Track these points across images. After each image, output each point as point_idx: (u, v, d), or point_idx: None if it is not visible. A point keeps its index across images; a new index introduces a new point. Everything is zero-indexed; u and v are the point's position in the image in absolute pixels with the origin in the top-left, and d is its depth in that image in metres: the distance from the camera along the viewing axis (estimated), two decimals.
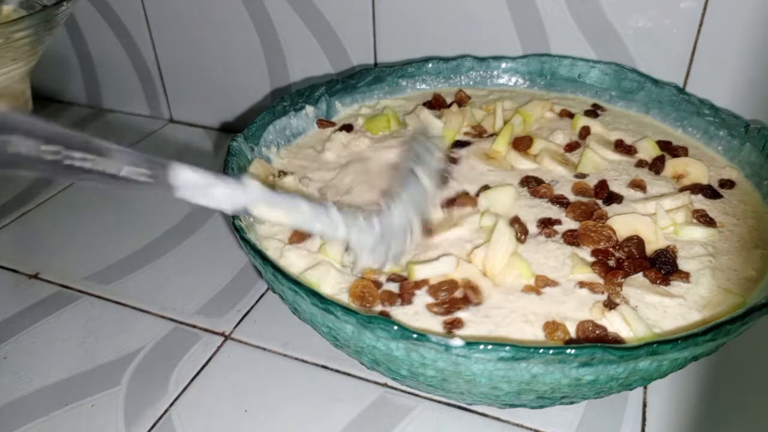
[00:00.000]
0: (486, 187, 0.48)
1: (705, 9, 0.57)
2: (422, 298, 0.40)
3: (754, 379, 0.45)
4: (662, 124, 0.59)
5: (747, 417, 0.42)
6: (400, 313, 0.39)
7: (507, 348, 0.31)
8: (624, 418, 0.42)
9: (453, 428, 0.42)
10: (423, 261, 0.42)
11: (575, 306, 0.39)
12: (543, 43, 0.64)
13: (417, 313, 0.39)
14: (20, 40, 0.54)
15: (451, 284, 0.40)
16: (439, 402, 0.44)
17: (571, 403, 0.38)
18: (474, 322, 0.39)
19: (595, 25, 0.62)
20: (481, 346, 0.31)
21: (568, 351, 0.31)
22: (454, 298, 0.40)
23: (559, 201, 0.47)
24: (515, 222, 0.45)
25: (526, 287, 0.41)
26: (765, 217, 0.47)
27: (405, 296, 0.40)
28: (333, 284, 0.42)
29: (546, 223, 0.45)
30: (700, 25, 0.58)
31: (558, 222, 0.46)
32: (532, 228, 0.45)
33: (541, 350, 0.31)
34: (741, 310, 0.34)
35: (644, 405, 0.43)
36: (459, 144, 0.55)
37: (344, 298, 0.41)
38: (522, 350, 0.31)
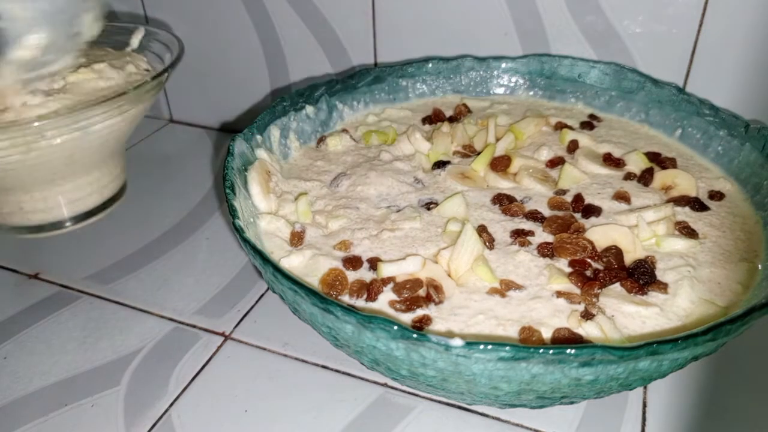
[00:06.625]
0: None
1: (705, 9, 0.57)
2: (387, 294, 0.41)
3: (754, 379, 0.45)
4: (658, 132, 0.59)
5: (747, 417, 0.42)
6: (363, 308, 0.41)
7: (507, 348, 0.31)
8: (624, 418, 0.42)
9: (453, 428, 0.42)
10: (391, 260, 0.43)
11: (551, 313, 0.40)
12: (543, 43, 0.64)
13: (379, 310, 0.40)
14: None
15: (415, 283, 0.41)
16: (439, 402, 0.44)
17: (571, 403, 0.38)
18: (442, 319, 0.39)
19: (595, 26, 0.62)
20: (481, 346, 0.31)
21: (568, 351, 0.31)
22: (416, 296, 0.41)
23: (533, 217, 0.48)
24: (482, 231, 0.45)
25: (491, 290, 0.41)
26: (755, 228, 0.47)
27: (372, 292, 0.41)
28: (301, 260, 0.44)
29: (519, 234, 0.46)
30: (700, 25, 0.58)
31: (531, 233, 0.46)
32: (505, 238, 0.46)
33: (541, 350, 0.31)
34: (741, 310, 0.34)
35: (644, 405, 0.43)
36: (439, 164, 0.55)
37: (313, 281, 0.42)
38: (522, 350, 0.31)
